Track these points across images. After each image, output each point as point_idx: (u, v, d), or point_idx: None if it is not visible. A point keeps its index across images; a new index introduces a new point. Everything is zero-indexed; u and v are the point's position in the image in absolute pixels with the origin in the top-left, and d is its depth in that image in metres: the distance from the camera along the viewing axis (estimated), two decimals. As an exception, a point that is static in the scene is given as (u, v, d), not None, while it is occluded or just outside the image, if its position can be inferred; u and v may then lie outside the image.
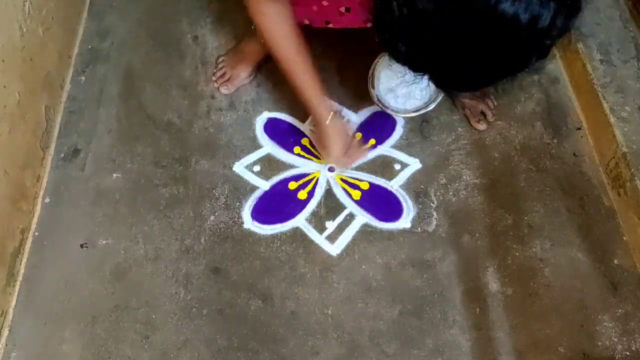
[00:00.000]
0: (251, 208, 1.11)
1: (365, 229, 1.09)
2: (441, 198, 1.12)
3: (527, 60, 0.62)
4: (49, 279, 1.05)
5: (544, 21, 0.56)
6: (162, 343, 0.98)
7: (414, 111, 1.09)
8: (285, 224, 1.10)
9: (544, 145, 1.18)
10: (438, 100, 1.08)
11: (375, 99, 1.08)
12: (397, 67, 1.07)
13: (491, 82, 0.67)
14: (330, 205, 1.12)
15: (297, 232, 1.09)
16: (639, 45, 1.20)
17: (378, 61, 1.05)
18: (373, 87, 1.07)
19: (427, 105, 1.09)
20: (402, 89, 1.09)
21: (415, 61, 0.65)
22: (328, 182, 1.15)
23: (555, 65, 1.30)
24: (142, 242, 1.08)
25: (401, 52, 0.65)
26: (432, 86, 1.08)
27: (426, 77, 1.06)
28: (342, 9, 1.04)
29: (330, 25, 1.07)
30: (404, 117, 1.18)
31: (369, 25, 1.08)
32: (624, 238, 1.07)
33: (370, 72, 1.07)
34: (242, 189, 1.14)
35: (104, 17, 1.42)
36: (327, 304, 1.01)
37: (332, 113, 1.06)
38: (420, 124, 1.21)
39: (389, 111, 1.10)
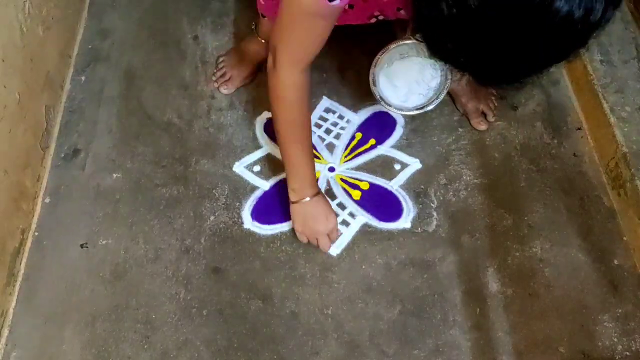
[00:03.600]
0: (251, 208, 1.11)
1: (365, 229, 1.09)
2: (441, 198, 1.12)
3: (574, 51, 0.62)
4: (49, 279, 1.05)
5: (596, 14, 0.56)
6: (162, 343, 0.98)
7: (416, 109, 1.09)
8: (285, 224, 1.09)
9: (544, 145, 1.18)
10: (439, 99, 1.08)
11: (377, 96, 1.08)
12: (398, 65, 1.08)
13: (534, 74, 0.67)
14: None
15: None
16: (639, 46, 1.20)
17: (379, 58, 1.06)
18: (375, 85, 1.08)
19: (428, 103, 1.09)
20: (404, 87, 1.09)
21: (461, 59, 0.65)
22: (328, 182, 1.15)
23: (556, 65, 1.29)
24: (142, 242, 1.08)
25: (448, 51, 0.64)
26: (434, 85, 1.08)
27: (429, 75, 1.06)
28: (346, 6, 1.04)
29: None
30: (405, 115, 1.18)
31: (372, 21, 1.09)
32: (624, 238, 1.07)
33: (372, 69, 1.07)
34: (242, 189, 1.14)
35: (104, 17, 1.42)
36: (327, 304, 1.01)
37: (318, 192, 1.03)
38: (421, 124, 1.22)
39: (391, 109, 1.10)
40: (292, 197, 1.03)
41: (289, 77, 0.91)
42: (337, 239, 1.07)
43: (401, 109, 1.10)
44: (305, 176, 1.01)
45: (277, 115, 0.96)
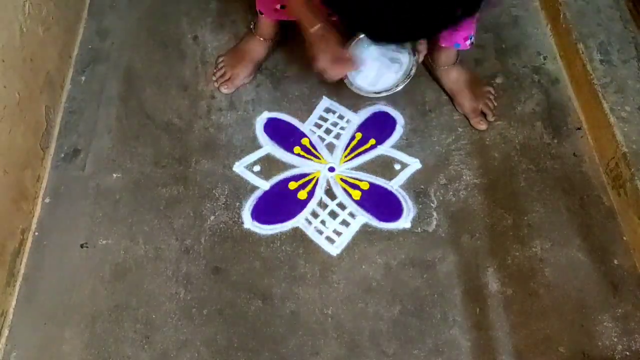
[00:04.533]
0: (251, 208, 1.12)
1: (365, 229, 1.09)
2: (441, 198, 1.12)
3: (452, 9, 0.63)
4: (49, 279, 1.05)
5: None
6: (162, 343, 0.98)
7: (386, 91, 1.11)
8: (285, 224, 1.10)
9: (544, 145, 1.18)
10: (409, 79, 1.09)
11: (349, 84, 1.10)
12: (365, 52, 1.09)
13: (419, 33, 0.69)
14: (330, 206, 1.12)
15: (297, 232, 1.09)
16: (639, 46, 1.20)
17: (354, 40, 1.08)
18: (346, 77, 1.09)
19: (397, 84, 1.10)
20: (371, 71, 1.11)
21: (345, 9, 0.67)
22: (328, 182, 1.15)
23: (555, 65, 1.30)
24: (142, 242, 1.08)
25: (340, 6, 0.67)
26: (399, 73, 1.09)
27: (396, 61, 1.08)
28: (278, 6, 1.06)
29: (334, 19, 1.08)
30: (378, 98, 1.19)
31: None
32: (624, 238, 1.07)
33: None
34: (242, 189, 1.14)
35: (104, 17, 1.42)
36: (327, 304, 1.01)
37: (320, 24, 1.01)
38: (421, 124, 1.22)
39: (353, 88, 1.11)
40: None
41: None
42: (344, 69, 1.06)
43: (362, 91, 1.12)
44: (302, 6, 1.01)
45: None
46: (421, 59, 1.10)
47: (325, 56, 1.03)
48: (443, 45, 1.16)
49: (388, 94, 1.11)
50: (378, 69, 1.10)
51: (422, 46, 1.09)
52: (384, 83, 1.11)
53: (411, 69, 1.09)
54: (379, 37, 0.78)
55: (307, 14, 1.02)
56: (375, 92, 1.11)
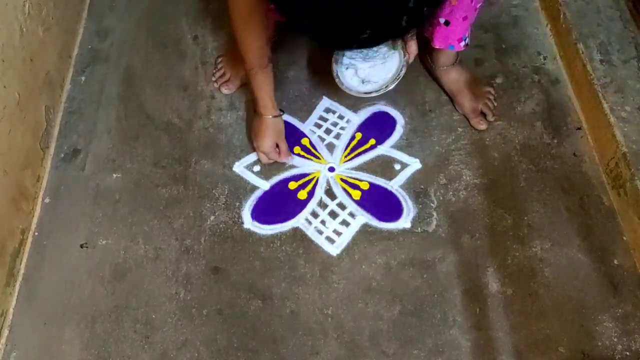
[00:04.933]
0: (251, 208, 1.12)
1: (365, 229, 1.09)
2: (441, 198, 1.12)
3: (397, 19, 0.65)
4: (49, 279, 1.05)
5: None
6: (162, 343, 0.98)
7: (365, 93, 1.12)
8: (285, 224, 1.10)
9: (544, 145, 1.18)
10: (398, 80, 1.10)
11: (335, 73, 1.10)
12: (359, 51, 1.09)
13: (367, 41, 0.70)
14: (330, 206, 1.12)
15: (297, 232, 1.09)
16: (639, 46, 1.20)
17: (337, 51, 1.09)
18: (335, 63, 1.10)
19: (380, 89, 1.11)
20: (361, 72, 1.11)
21: (291, 15, 0.69)
22: (328, 182, 1.15)
23: (555, 65, 1.30)
24: (142, 242, 1.08)
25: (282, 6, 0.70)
26: (389, 74, 1.10)
27: (386, 62, 1.09)
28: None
29: None
30: (369, 97, 1.19)
31: None
32: (624, 238, 1.07)
33: (333, 64, 1.10)
34: (242, 189, 1.14)
35: (103, 17, 1.42)
36: (327, 304, 1.01)
37: (278, 112, 1.13)
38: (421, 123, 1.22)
39: (343, 88, 1.11)
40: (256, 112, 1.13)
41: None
42: (282, 159, 1.16)
43: (353, 91, 1.12)
44: (266, 92, 1.10)
45: (237, 38, 1.05)
46: (411, 59, 1.10)
47: (270, 142, 1.13)
48: (437, 46, 1.16)
49: (378, 94, 1.11)
50: (368, 69, 1.11)
51: (413, 47, 1.09)
52: (374, 83, 1.11)
53: (401, 70, 1.09)
54: (323, 42, 0.81)
55: (268, 101, 1.11)
56: (365, 92, 1.11)
